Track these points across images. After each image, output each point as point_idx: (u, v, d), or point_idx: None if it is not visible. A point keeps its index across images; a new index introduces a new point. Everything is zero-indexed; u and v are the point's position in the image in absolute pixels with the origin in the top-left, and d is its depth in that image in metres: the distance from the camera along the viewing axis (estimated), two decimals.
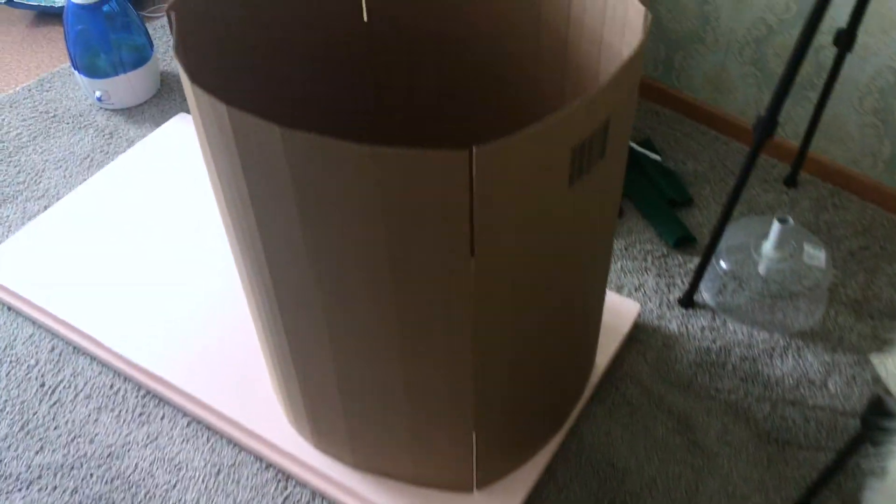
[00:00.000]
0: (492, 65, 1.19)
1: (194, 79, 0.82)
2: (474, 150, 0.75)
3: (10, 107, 1.88)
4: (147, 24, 2.10)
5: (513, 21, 1.12)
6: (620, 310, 1.37)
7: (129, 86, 1.80)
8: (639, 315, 1.40)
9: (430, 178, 0.76)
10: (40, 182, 1.70)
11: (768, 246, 1.38)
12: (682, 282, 1.46)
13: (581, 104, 0.78)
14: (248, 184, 0.85)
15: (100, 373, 1.36)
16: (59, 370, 1.37)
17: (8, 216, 1.63)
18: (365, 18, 1.17)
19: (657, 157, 1.62)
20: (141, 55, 1.82)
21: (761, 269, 1.40)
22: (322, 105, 1.26)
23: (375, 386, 1.01)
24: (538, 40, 1.11)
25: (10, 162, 1.75)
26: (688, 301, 1.42)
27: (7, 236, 1.59)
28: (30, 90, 1.92)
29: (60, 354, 1.39)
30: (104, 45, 1.75)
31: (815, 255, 1.39)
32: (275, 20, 1.09)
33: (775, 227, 1.35)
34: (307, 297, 0.93)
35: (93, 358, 1.38)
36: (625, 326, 1.35)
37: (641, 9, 0.89)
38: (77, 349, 1.40)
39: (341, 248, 0.85)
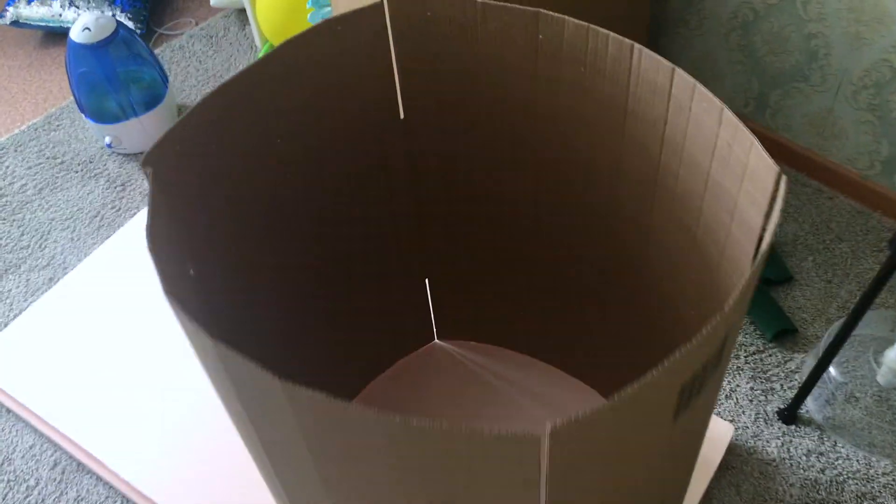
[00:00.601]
0: (560, 195, 0.96)
1: (170, 288, 0.62)
2: (549, 429, 0.53)
3: (16, 151, 1.69)
4: (164, 44, 1.88)
5: (587, 131, 0.88)
6: (712, 433, 1.15)
7: (141, 129, 1.60)
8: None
9: (485, 461, 0.55)
10: (45, 247, 1.52)
11: (892, 356, 1.14)
12: (782, 386, 1.23)
13: (697, 341, 0.56)
14: (253, 421, 0.65)
15: (107, 497, 1.19)
16: (61, 493, 1.20)
17: (10, 290, 1.46)
18: (402, 115, 0.95)
19: None
20: (153, 94, 1.61)
21: (880, 378, 1.17)
22: (356, 260, 1.03)
23: None
24: (619, 158, 0.87)
25: (14, 221, 1.57)
26: (790, 416, 1.19)
27: (8, 314, 1.42)
28: (36, 130, 1.73)
29: (63, 472, 1.23)
30: (112, 85, 1.54)
31: None
32: (285, 165, 0.87)
33: None
34: None
35: (99, 478, 1.21)
36: (717, 455, 1.13)
37: (772, 166, 0.65)
38: (81, 466, 1.23)
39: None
